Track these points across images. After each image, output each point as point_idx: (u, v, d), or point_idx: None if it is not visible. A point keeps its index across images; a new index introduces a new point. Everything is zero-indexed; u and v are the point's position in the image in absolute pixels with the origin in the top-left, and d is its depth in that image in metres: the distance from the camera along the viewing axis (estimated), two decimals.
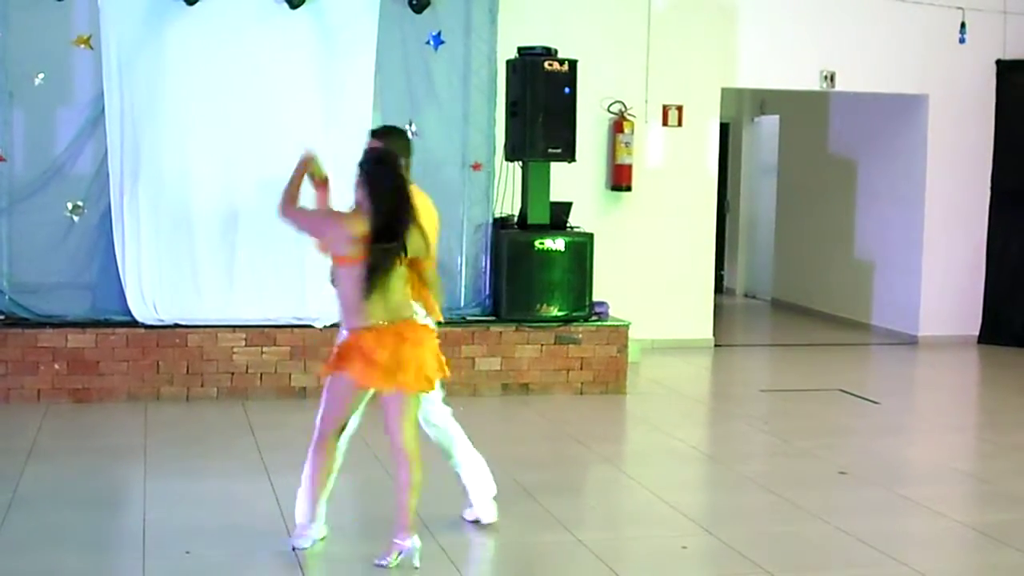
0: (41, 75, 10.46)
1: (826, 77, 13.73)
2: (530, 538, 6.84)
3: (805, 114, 16.52)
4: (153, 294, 10.31)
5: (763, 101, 17.97)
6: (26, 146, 10.34)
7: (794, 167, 17.18)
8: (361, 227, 5.91)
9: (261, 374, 10.36)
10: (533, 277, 10.88)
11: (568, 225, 11.27)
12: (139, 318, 10.24)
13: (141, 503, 7.35)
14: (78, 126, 10.52)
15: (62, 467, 8.13)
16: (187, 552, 6.43)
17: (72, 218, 10.43)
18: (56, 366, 9.93)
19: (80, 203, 10.51)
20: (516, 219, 11.24)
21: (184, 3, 10.34)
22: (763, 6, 13.44)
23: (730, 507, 7.73)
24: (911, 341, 14.28)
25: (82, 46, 10.53)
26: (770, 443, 9.61)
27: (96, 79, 10.43)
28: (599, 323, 11.10)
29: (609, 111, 12.93)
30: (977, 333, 14.40)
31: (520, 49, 11.27)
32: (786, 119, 17.44)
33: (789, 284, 17.28)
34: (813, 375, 12.43)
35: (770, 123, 18.03)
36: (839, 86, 13.82)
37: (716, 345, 13.68)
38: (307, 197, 6.51)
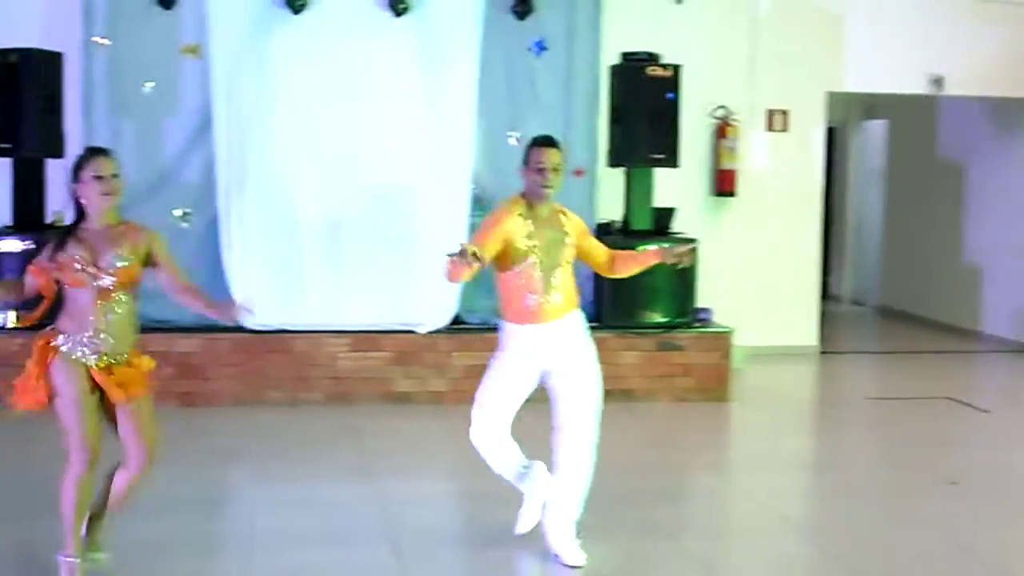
0: (150, 84, 10.63)
1: (934, 81, 13.52)
2: (633, 546, 6.81)
3: (914, 118, 16.30)
4: (259, 299, 10.41)
5: (871, 105, 17.76)
6: (135, 154, 10.49)
7: (902, 172, 16.95)
8: None
9: (365, 379, 10.42)
10: (636, 283, 10.68)
11: (671, 231, 11.22)
12: (245, 323, 10.34)
13: (247, 507, 7.43)
14: (186, 134, 10.68)
15: (169, 471, 8.18)
16: (293, 555, 6.48)
17: (180, 225, 10.57)
18: (164, 370, 10.06)
19: (188, 210, 10.66)
20: (619, 225, 11.20)
21: (290, 12, 10.45)
22: (870, 9, 13.28)
23: (836, 516, 7.63)
24: (1023, 349, 14.03)
25: (190, 55, 10.68)
26: (877, 452, 9.49)
27: (204, 87, 10.57)
28: (703, 329, 11.02)
29: (713, 116, 12.85)
30: None
31: (623, 55, 11.24)
32: (894, 123, 17.22)
33: (897, 290, 17.05)
34: (921, 383, 12.24)
35: (878, 128, 17.81)
36: (948, 90, 13.60)
37: (822, 352, 13.53)
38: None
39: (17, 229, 10.33)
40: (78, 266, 5.51)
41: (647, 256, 6.69)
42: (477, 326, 10.68)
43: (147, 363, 5.77)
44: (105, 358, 5.58)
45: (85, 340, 5.55)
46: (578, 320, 6.44)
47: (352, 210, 10.67)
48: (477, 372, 10.30)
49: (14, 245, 10.11)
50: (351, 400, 10.37)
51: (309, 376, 10.37)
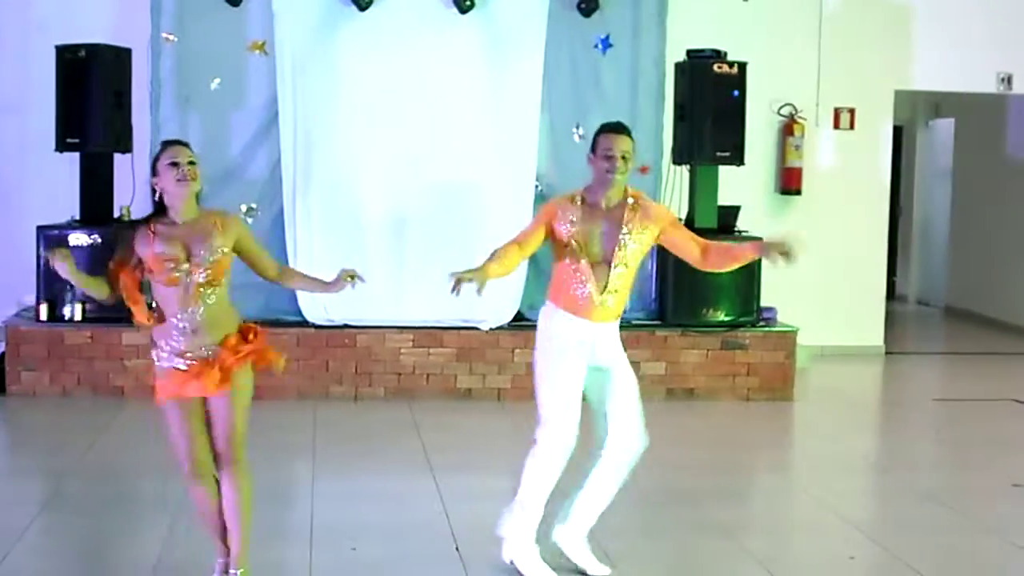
0: (217, 80, 10.73)
1: (1003, 79, 13.36)
2: (694, 544, 6.79)
3: (982, 117, 16.11)
4: (323, 295, 10.45)
5: (938, 104, 17.59)
6: (202, 149, 10.33)
7: (970, 171, 16.77)
8: None
9: (428, 375, 10.47)
10: (700, 281, 10.71)
11: (736, 229, 11.16)
12: (310, 318, 10.42)
13: (309, 499, 7.47)
14: (252, 130, 10.77)
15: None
16: (353, 548, 6.52)
17: (246, 220, 10.64)
18: None
19: (254, 205, 10.75)
20: (683, 223, 11.14)
21: (356, 9, 10.50)
22: (938, 6, 13.13)
23: (899, 518, 7.57)
24: None
25: (257, 52, 10.77)
26: (942, 453, 9.41)
27: (270, 84, 10.65)
28: (767, 328, 10.97)
29: (779, 114, 12.78)
30: None
31: (689, 52, 11.20)
32: (961, 122, 17.04)
33: (964, 290, 16.87)
34: (987, 384, 12.11)
35: (945, 126, 17.64)
36: (1017, 88, 13.44)
37: (887, 352, 13.42)
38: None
39: (85, 223, 10.45)
40: (171, 264, 5.32)
41: (744, 251, 6.22)
42: None
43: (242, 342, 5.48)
44: (190, 355, 5.36)
45: (174, 342, 5.37)
46: (616, 331, 6.17)
47: (416, 206, 10.71)
48: None
49: (82, 239, 10.23)
50: (413, 395, 10.41)
51: (372, 371, 10.42)
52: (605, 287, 5.99)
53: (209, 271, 5.36)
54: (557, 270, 6.11)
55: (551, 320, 6.12)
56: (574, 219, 5.99)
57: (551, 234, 6.06)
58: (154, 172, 5.45)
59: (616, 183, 6.01)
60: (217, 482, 5.59)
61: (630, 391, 6.13)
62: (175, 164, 5.38)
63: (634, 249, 6.05)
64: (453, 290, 5.72)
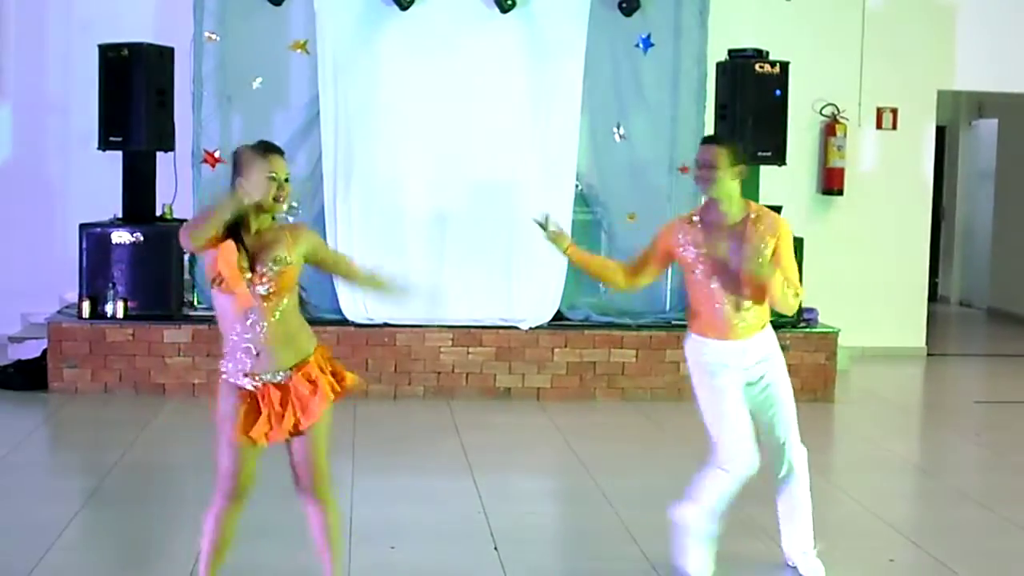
0: (259, 79, 10.76)
1: None
2: (734, 546, 6.76)
3: None
4: (364, 293, 10.48)
5: (981, 104, 17.47)
6: None
7: (1013, 172, 16.66)
8: None
9: (467, 374, 10.47)
10: None
11: None
12: (350, 317, 10.44)
13: (348, 498, 7.47)
14: (294, 129, 10.79)
15: (272, 461, 8.30)
16: (392, 547, 6.53)
17: (287, 218, 10.64)
18: None
19: (295, 204, 10.75)
20: None
21: (398, 8, 10.52)
22: (982, 5, 13.06)
23: (940, 521, 7.52)
24: None
25: (298, 51, 10.81)
26: (984, 456, 9.33)
27: (312, 83, 10.69)
28: (808, 330, 10.92)
29: (821, 114, 12.73)
30: None
31: (730, 51, 11.17)
32: (1005, 123, 16.92)
33: (1007, 292, 16.76)
34: None
35: (988, 127, 17.52)
36: None
37: (929, 354, 13.35)
38: None
39: (127, 221, 10.51)
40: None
41: None
42: (579, 323, 10.68)
43: (323, 375, 5.24)
44: (259, 378, 5.02)
45: (239, 362, 5.02)
46: (768, 339, 6.11)
47: (456, 206, 10.72)
48: (578, 369, 10.44)
49: (124, 237, 10.30)
50: (452, 394, 10.42)
51: (411, 370, 10.44)
52: (740, 304, 5.87)
53: (272, 284, 4.97)
54: (690, 295, 6.00)
55: (695, 349, 6.04)
56: (697, 242, 5.88)
57: (674, 259, 6.00)
58: (240, 171, 5.05)
59: (708, 191, 5.98)
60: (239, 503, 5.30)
61: (777, 405, 6.24)
62: (274, 179, 5.06)
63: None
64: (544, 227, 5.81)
